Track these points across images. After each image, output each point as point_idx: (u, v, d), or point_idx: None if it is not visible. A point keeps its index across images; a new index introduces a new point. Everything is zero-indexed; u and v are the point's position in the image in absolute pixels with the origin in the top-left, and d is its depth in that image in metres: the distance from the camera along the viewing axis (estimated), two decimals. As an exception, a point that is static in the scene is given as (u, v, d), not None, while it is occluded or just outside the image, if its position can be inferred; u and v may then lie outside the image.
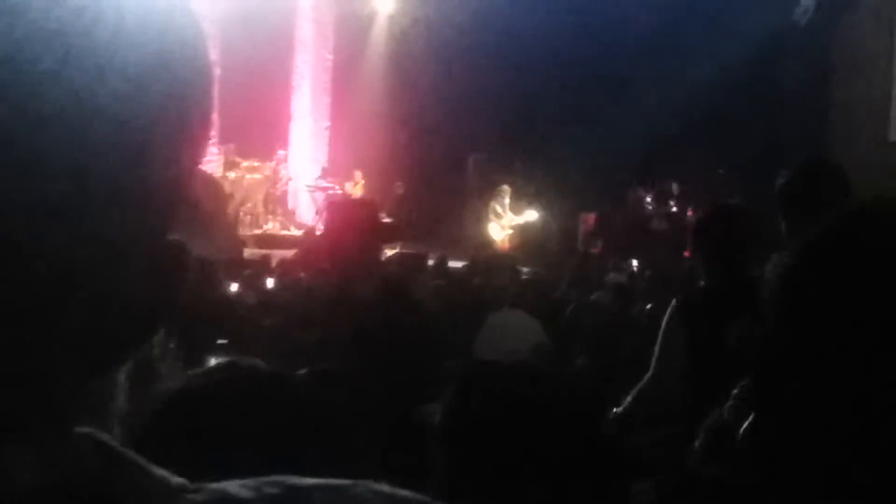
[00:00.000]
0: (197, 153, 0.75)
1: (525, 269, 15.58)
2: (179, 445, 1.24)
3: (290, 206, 25.44)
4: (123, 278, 0.70)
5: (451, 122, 23.86)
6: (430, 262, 15.78)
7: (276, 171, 24.70)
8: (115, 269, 0.69)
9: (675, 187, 23.13)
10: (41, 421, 0.69)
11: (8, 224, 0.63)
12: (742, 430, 2.00)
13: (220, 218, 17.93)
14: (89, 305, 0.68)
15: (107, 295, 0.69)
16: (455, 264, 16.53)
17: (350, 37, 26.77)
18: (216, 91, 0.77)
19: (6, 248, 0.64)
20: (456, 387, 2.39)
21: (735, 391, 3.62)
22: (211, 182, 18.80)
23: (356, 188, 23.67)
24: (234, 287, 11.03)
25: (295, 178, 25.28)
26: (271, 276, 12.86)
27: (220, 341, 5.24)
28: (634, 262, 19.66)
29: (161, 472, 0.75)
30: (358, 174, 23.92)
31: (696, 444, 3.69)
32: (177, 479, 0.75)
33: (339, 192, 23.78)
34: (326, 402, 1.62)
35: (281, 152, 25.42)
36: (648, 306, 10.79)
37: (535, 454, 2.21)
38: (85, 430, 0.73)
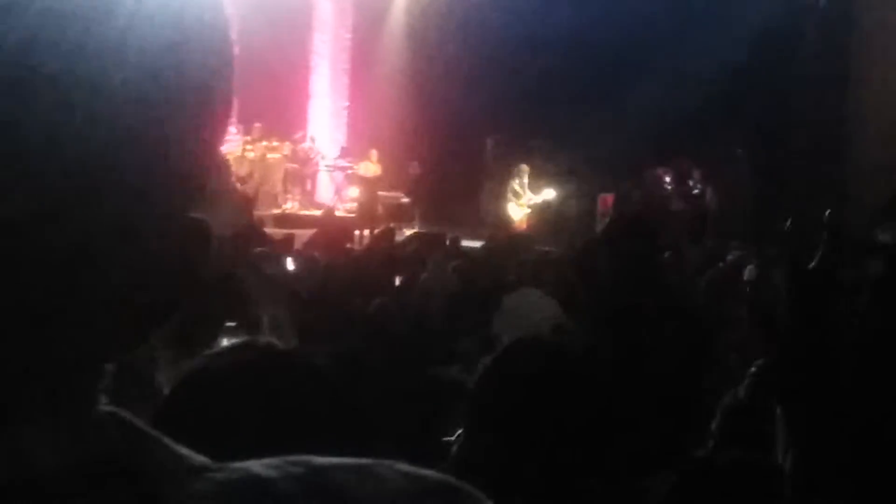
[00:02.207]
0: (218, 133, 0.76)
1: (543, 249, 15.54)
2: (198, 425, 1.24)
3: (309, 185, 25.44)
4: (146, 257, 0.70)
5: (469, 101, 23.79)
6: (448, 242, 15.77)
7: (305, 152, 24.67)
8: (137, 248, 0.69)
9: (693, 167, 23.05)
10: (65, 400, 0.70)
11: (30, 205, 0.64)
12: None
13: (225, 191, 17.90)
14: (112, 284, 0.69)
15: (129, 274, 0.69)
16: (472, 244, 16.53)
17: (369, 16, 26.74)
18: (235, 71, 0.77)
19: (29, 230, 0.64)
20: (491, 361, 2.41)
21: (752, 370, 3.62)
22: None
23: (371, 167, 23.64)
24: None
25: (320, 156, 25.30)
26: (289, 256, 12.86)
27: (229, 323, 5.24)
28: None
29: (184, 450, 0.75)
30: (374, 153, 23.87)
31: (713, 425, 3.69)
32: (199, 458, 0.75)
33: (356, 170, 23.79)
34: (344, 381, 1.62)
35: (309, 134, 25.43)
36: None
37: (559, 427, 2.22)
38: (108, 408, 0.74)
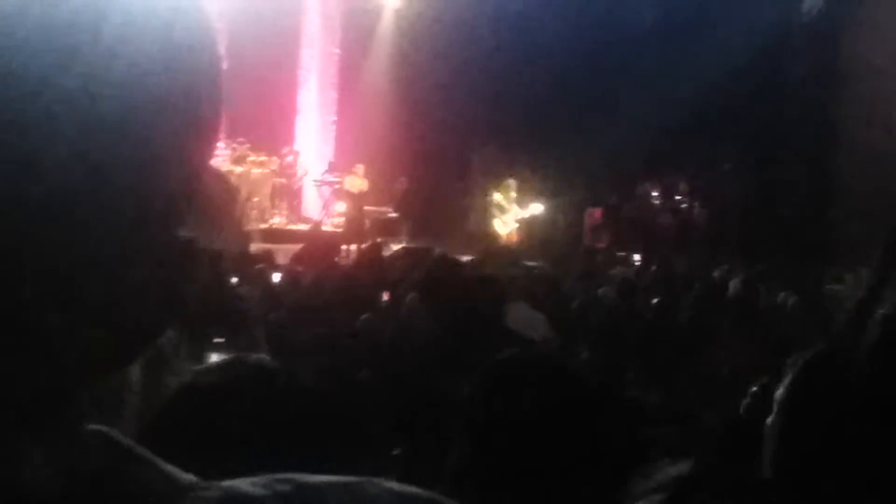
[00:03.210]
0: (207, 149, 0.75)
1: (530, 264, 15.55)
2: (188, 442, 1.24)
3: (296, 200, 25.42)
4: (133, 275, 0.70)
5: (456, 116, 23.83)
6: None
7: (289, 166, 24.67)
8: (124, 267, 0.69)
9: (681, 182, 23.11)
10: (52, 418, 0.69)
11: (14, 223, 0.63)
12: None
13: (228, 213, 17.90)
14: (98, 303, 0.68)
15: (116, 292, 0.69)
16: (460, 259, 16.50)
17: (357, 31, 26.77)
18: (224, 89, 0.77)
19: (15, 248, 0.64)
20: (481, 376, 2.41)
21: (753, 389, 3.61)
22: (218, 176, 18.77)
23: (357, 182, 23.61)
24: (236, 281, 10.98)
25: (304, 172, 25.29)
26: (277, 271, 12.84)
27: (217, 340, 5.23)
28: (639, 257, 19.68)
29: (171, 468, 0.75)
30: (360, 168, 23.84)
31: (705, 436, 3.67)
32: (187, 476, 0.75)
33: (342, 185, 23.77)
34: (333, 398, 1.62)
35: (295, 148, 25.44)
36: (654, 301, 10.80)
37: (551, 442, 2.22)
38: (96, 427, 0.73)
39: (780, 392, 1.98)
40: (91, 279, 0.67)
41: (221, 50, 0.77)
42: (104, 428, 0.74)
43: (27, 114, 0.63)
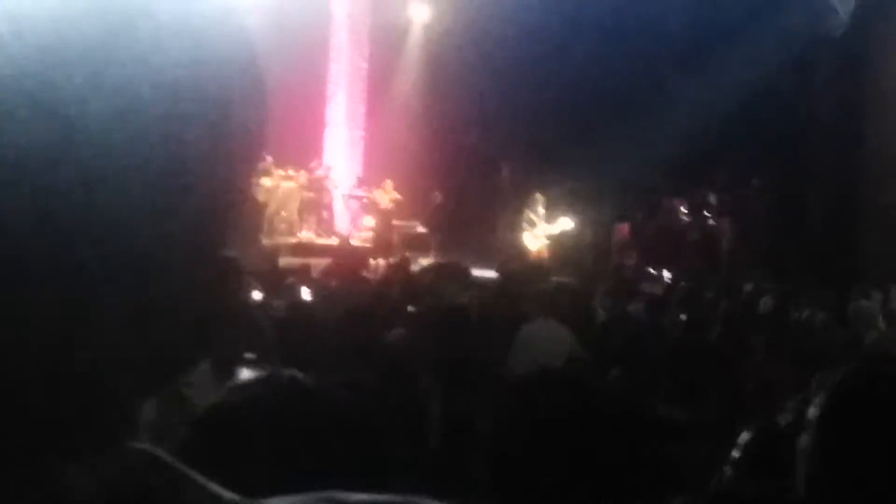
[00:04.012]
0: (250, 170, 0.76)
1: (559, 279, 15.52)
2: (223, 459, 1.24)
3: (325, 214, 25.43)
4: (178, 295, 0.70)
5: (485, 130, 23.83)
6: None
7: (319, 180, 24.66)
8: (168, 287, 0.70)
9: (709, 198, 23.02)
10: (97, 438, 0.70)
11: (61, 244, 0.64)
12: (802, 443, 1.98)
13: (253, 229, 17.93)
14: (144, 323, 0.69)
15: (161, 312, 0.69)
16: (488, 274, 16.49)
17: (385, 45, 26.80)
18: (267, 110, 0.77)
19: (58, 268, 0.64)
20: (511, 398, 2.40)
21: (790, 402, 3.58)
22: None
23: (386, 197, 23.62)
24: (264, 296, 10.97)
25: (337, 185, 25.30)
26: (305, 286, 12.83)
27: (247, 355, 5.22)
28: (668, 273, 19.62)
29: (215, 487, 0.75)
30: (388, 183, 23.85)
31: (735, 454, 3.65)
32: (230, 495, 0.76)
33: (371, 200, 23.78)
34: (367, 414, 1.62)
35: (325, 162, 25.46)
36: (682, 317, 10.76)
37: (578, 461, 2.21)
38: (141, 445, 0.74)
39: (813, 410, 1.96)
40: (134, 298, 0.67)
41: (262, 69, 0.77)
42: (149, 447, 0.74)
43: (60, 132, 0.63)
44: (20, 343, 0.64)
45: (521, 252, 21.74)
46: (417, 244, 23.03)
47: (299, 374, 1.69)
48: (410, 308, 10.93)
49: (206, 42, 0.70)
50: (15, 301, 0.63)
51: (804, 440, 1.95)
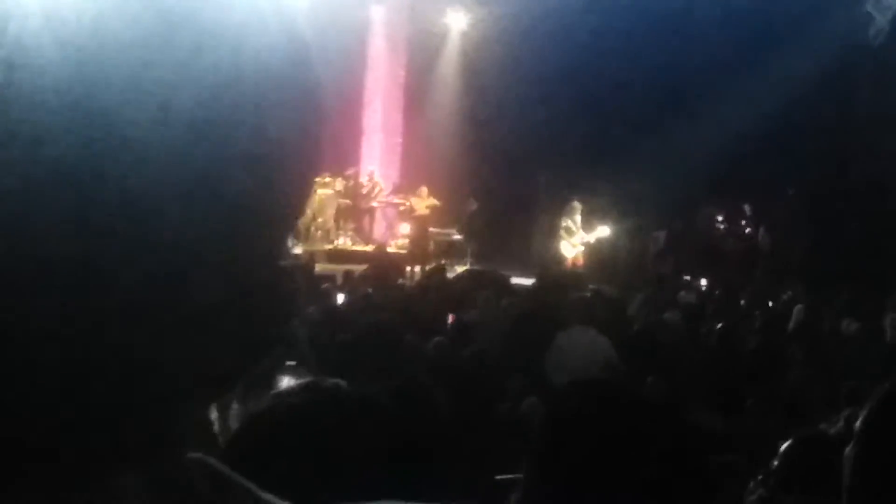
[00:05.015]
0: (312, 177, 0.77)
1: (595, 287, 15.49)
2: (268, 466, 1.26)
3: (368, 220, 25.41)
4: (235, 303, 0.71)
5: (521, 138, 23.77)
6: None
7: (358, 186, 24.63)
8: (234, 294, 0.70)
9: (746, 207, 22.92)
10: (155, 448, 0.71)
11: (123, 262, 0.65)
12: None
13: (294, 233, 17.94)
14: (201, 332, 0.70)
15: (218, 321, 0.70)
16: (524, 281, 16.48)
17: (422, 53, 26.81)
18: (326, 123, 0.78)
19: (126, 284, 0.65)
20: (549, 408, 2.39)
21: (831, 414, 3.56)
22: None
23: (422, 204, 23.58)
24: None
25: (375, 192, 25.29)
26: (342, 292, 12.85)
27: (288, 363, 5.22)
28: (704, 282, 19.53)
29: (269, 496, 0.76)
30: (424, 190, 23.81)
31: (772, 465, 3.63)
32: (279, 503, 0.76)
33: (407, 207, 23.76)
34: (410, 422, 1.63)
35: (370, 168, 25.49)
36: (719, 326, 10.73)
37: (622, 470, 2.20)
38: (195, 455, 0.75)
39: (859, 423, 1.96)
40: (199, 311, 0.69)
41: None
42: (203, 456, 0.75)
43: (121, 153, 0.64)
44: (78, 351, 0.65)
45: (559, 259, 21.68)
46: (453, 251, 23.03)
47: (341, 382, 1.70)
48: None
49: (248, 49, 0.71)
50: (69, 311, 0.64)
51: (848, 452, 1.95)
